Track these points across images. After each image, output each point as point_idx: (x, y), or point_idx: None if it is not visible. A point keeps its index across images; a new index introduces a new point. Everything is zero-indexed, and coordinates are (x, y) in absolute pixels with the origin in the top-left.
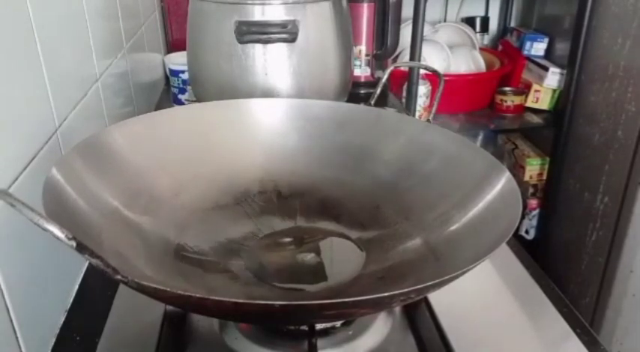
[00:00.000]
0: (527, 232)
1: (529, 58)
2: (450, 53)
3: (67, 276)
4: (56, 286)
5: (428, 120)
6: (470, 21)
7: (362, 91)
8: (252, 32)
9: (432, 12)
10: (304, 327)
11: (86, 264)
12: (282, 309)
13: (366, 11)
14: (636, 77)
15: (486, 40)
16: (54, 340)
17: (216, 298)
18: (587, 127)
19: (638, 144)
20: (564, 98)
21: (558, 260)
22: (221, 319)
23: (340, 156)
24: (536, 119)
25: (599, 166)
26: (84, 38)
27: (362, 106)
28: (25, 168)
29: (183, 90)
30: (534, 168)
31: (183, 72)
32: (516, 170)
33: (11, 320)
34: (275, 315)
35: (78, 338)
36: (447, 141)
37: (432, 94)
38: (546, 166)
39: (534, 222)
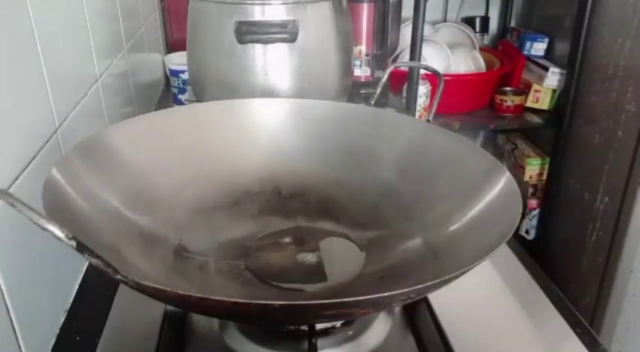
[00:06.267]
0: (527, 232)
1: (529, 58)
2: (450, 53)
3: (67, 276)
4: (56, 286)
5: (428, 120)
6: (470, 21)
7: (362, 91)
8: (252, 32)
9: (432, 12)
10: (304, 327)
11: (86, 263)
12: (282, 309)
13: (366, 11)
14: (636, 77)
15: (486, 40)
16: (54, 340)
17: (216, 298)
18: (587, 127)
19: (638, 144)
20: (564, 98)
21: (558, 260)
22: (221, 319)
23: (340, 156)
24: (536, 119)
25: (599, 166)
26: (84, 38)
27: (362, 106)
28: (25, 168)
29: (183, 90)
30: (534, 168)
31: (183, 72)
32: (516, 170)
33: (11, 320)
34: (275, 315)
35: (78, 338)
36: (447, 141)
37: (432, 94)
38: (546, 166)
39: (534, 222)
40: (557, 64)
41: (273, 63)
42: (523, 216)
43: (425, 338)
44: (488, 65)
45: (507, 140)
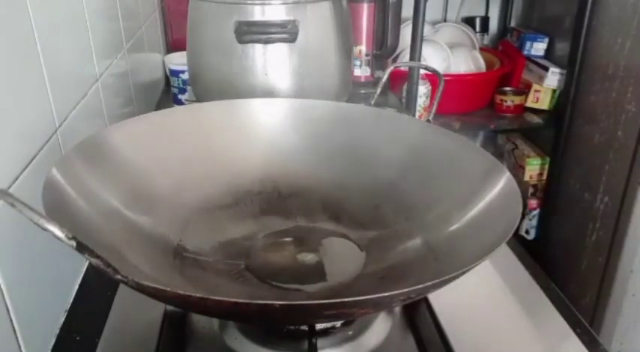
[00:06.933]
0: (527, 232)
1: (529, 58)
2: (450, 53)
3: (67, 276)
4: (56, 286)
5: (428, 120)
6: (470, 21)
7: (362, 91)
8: (252, 32)
9: (432, 12)
10: (304, 327)
11: (86, 263)
12: (282, 309)
13: (366, 11)
14: (636, 77)
15: (486, 40)
16: (54, 340)
17: (216, 298)
18: (587, 127)
19: (638, 144)
20: (564, 98)
21: (558, 260)
22: (221, 319)
23: (340, 156)
24: (536, 119)
25: (599, 166)
26: (84, 38)
27: (362, 106)
28: (25, 168)
29: (183, 90)
30: (534, 168)
31: (183, 72)
32: (516, 170)
33: (11, 320)
34: (275, 315)
35: (78, 338)
36: (447, 141)
37: (432, 94)
38: (546, 166)
39: (534, 222)
40: (557, 64)
41: (273, 63)
42: (523, 216)
43: (425, 338)
44: (488, 65)
45: (507, 140)
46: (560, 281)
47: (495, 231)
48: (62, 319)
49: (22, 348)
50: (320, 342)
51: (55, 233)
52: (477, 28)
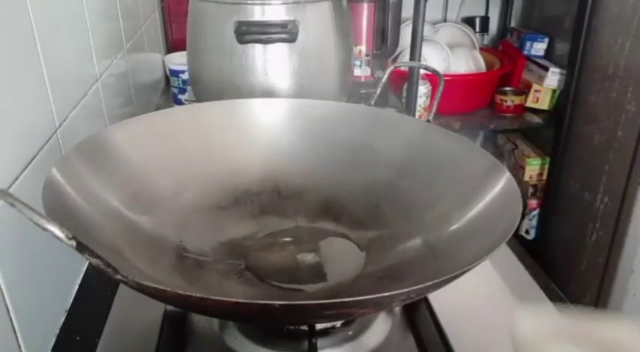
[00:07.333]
0: (527, 232)
1: (529, 58)
2: (450, 53)
3: (67, 276)
4: (56, 286)
5: (428, 120)
6: (470, 21)
7: (362, 91)
8: (252, 32)
9: (432, 12)
10: (304, 327)
11: (86, 263)
12: (282, 309)
13: (366, 11)
14: (636, 77)
15: (486, 40)
16: (54, 340)
17: (216, 298)
18: (587, 127)
19: (638, 144)
20: (564, 98)
21: (558, 260)
22: (221, 319)
23: (340, 156)
24: (536, 119)
25: (599, 166)
26: (84, 38)
27: (362, 106)
28: (25, 168)
29: (183, 90)
30: (534, 168)
31: (183, 72)
32: (516, 170)
33: (11, 320)
34: (275, 315)
35: (78, 338)
36: (447, 141)
37: (432, 94)
38: (546, 166)
39: (534, 222)
40: (557, 64)
41: (273, 63)
42: (523, 216)
43: (425, 338)
44: (488, 65)
45: (507, 140)
46: (560, 281)
47: (495, 231)
48: (62, 319)
49: (22, 348)
50: (320, 342)
51: (55, 233)
52: (477, 28)
